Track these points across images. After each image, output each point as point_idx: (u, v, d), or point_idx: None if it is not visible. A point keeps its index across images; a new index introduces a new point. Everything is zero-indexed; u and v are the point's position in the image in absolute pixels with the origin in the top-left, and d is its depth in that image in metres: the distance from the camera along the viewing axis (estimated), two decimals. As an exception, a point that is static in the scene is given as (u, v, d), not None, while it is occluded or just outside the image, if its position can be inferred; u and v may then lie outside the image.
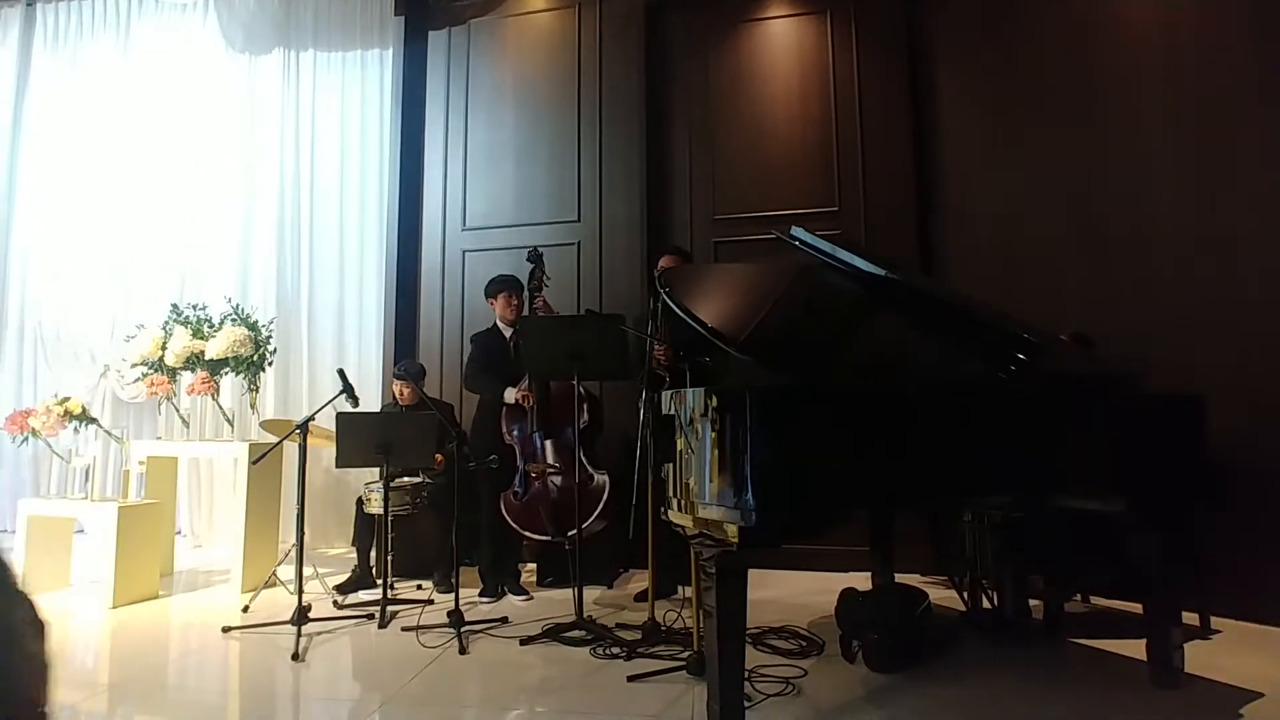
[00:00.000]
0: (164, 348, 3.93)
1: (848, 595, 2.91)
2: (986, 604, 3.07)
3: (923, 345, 2.63)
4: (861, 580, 3.80)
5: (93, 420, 3.74)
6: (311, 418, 3.12)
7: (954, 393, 2.08)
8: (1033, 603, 3.07)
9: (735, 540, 1.75)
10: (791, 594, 3.64)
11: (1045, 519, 2.84)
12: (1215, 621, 3.10)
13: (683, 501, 2.02)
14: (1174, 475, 2.28)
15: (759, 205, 4.57)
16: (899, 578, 3.53)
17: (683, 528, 2.06)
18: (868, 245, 4.10)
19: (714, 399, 1.89)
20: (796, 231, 3.11)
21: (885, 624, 2.66)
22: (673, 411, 2.11)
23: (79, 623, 3.28)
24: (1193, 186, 3.43)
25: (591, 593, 3.60)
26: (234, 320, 3.96)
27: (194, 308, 4.11)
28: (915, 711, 2.27)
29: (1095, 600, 3.44)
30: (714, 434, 1.91)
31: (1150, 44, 3.63)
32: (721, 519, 1.83)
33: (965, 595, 3.16)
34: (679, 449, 2.06)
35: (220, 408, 4.03)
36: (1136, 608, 3.28)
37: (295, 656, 2.73)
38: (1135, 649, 2.77)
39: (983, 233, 4.21)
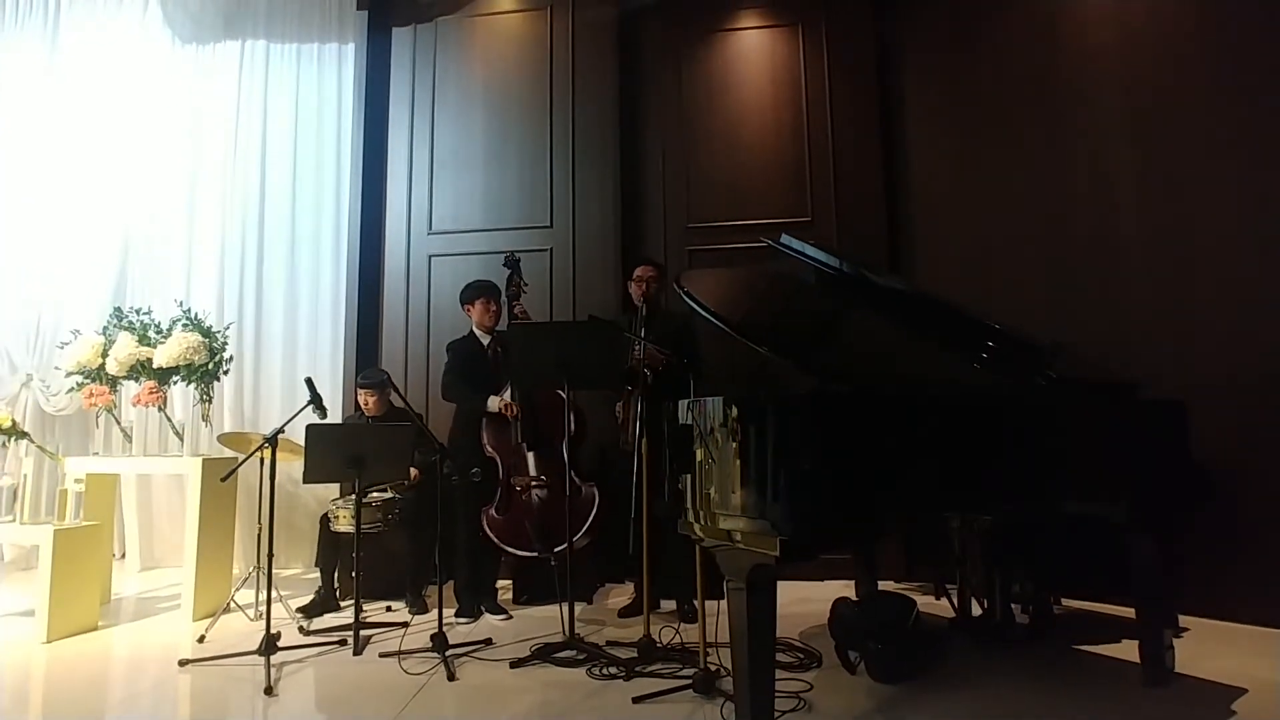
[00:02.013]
0: (105, 355, 3.61)
1: (841, 606, 2.88)
2: (976, 609, 3.10)
3: (911, 345, 2.66)
4: (842, 589, 3.80)
5: (24, 434, 3.40)
6: (281, 430, 2.90)
7: (982, 398, 2.08)
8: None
9: (775, 552, 1.69)
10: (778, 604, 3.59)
11: (1039, 523, 2.89)
12: (1182, 620, 3.21)
13: (704, 513, 1.95)
14: (1171, 479, 2.34)
15: (733, 214, 4.57)
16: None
17: (702, 539, 1.99)
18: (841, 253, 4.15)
19: (745, 408, 1.83)
20: (786, 239, 3.11)
21: (884, 634, 2.64)
22: (690, 421, 2.03)
23: (7, 660, 2.95)
24: (1152, 191, 3.58)
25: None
26: (186, 325, 3.68)
27: (138, 312, 3.80)
28: (930, 722, 2.25)
29: (1067, 602, 3.53)
30: (739, 444, 1.85)
31: (1110, 54, 3.77)
32: (755, 530, 1.76)
33: (954, 601, 3.18)
34: (699, 460, 1.99)
35: (169, 420, 3.73)
36: (1110, 608, 3.41)
37: (268, 690, 2.52)
38: (1116, 649, 2.85)
39: (951, 240, 4.31)
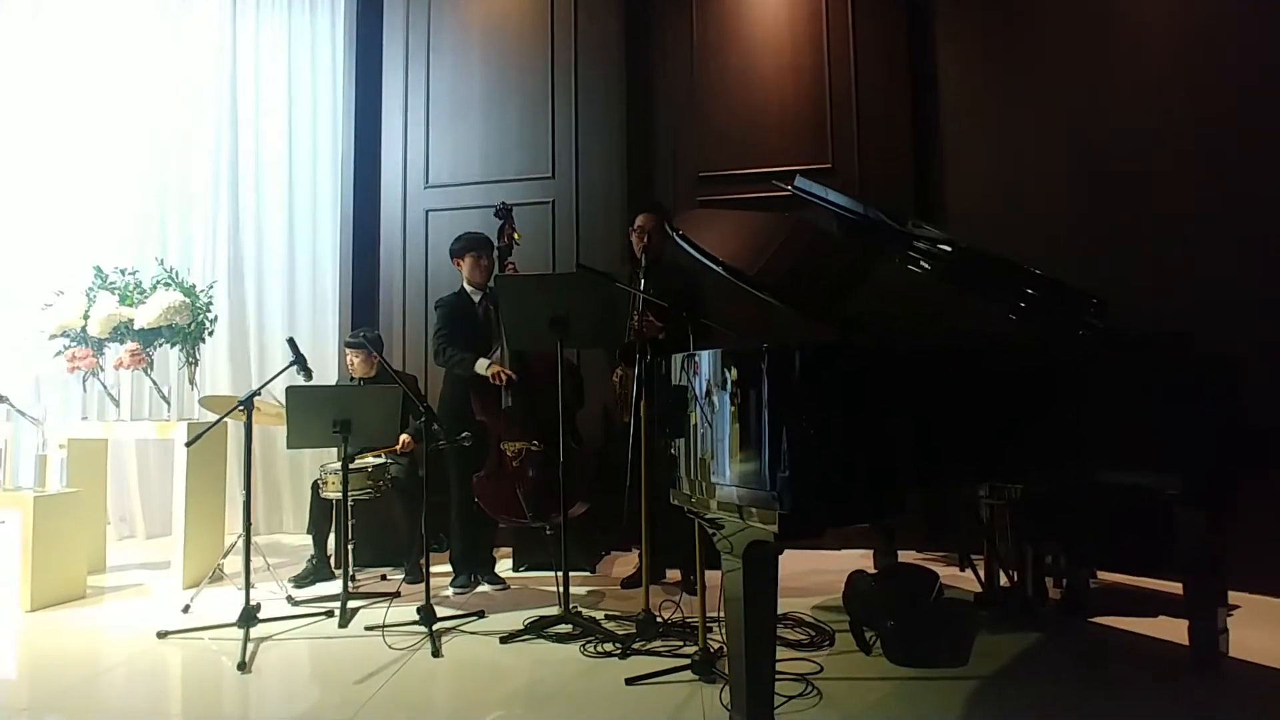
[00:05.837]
0: (87, 316, 3.47)
1: (857, 579, 2.67)
2: (1004, 583, 2.87)
3: (942, 295, 2.39)
4: (860, 559, 3.59)
5: (2, 399, 3.27)
6: (256, 393, 2.74)
7: (1020, 352, 1.82)
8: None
9: (774, 527, 1.47)
10: (788, 575, 3.36)
11: (1076, 493, 2.63)
12: (1231, 596, 2.95)
13: (699, 482, 1.73)
14: (1227, 445, 2.07)
15: (747, 162, 4.27)
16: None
17: (695, 511, 1.78)
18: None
19: (743, 362, 1.59)
20: (802, 182, 2.83)
21: (902, 611, 2.42)
22: (685, 382, 1.80)
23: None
24: (1200, 145, 3.22)
25: (572, 579, 3.31)
26: (167, 284, 3.51)
27: (122, 271, 3.64)
28: (950, 712, 2.04)
29: (1103, 575, 3.28)
30: (738, 404, 1.62)
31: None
32: (753, 503, 1.54)
33: (980, 574, 2.95)
34: (693, 423, 1.77)
35: (154, 383, 3.59)
36: (1150, 582, 3.16)
37: (241, 666, 2.38)
38: (1158, 627, 2.62)
39: (981, 190, 3.99)
